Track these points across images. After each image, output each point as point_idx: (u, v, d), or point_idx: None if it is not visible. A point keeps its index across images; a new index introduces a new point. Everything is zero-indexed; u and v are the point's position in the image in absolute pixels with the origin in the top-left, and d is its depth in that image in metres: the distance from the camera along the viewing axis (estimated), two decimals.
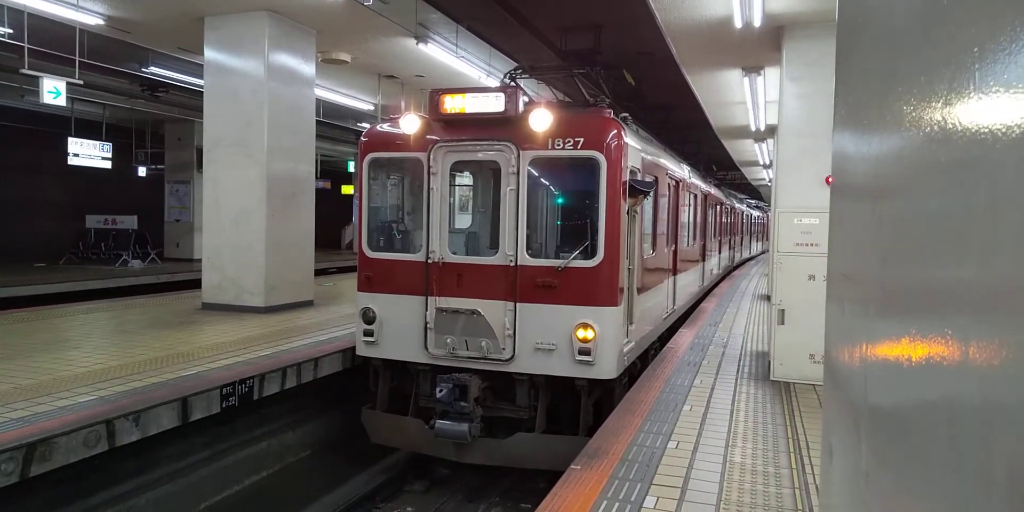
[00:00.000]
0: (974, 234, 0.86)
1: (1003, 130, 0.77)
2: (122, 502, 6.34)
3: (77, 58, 11.68)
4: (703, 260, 16.31)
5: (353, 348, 8.53)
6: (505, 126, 7.48)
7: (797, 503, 4.71)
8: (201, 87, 12.78)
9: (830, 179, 2.17)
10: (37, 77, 11.83)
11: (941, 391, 0.97)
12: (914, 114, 1.13)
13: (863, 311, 1.51)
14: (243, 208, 11.64)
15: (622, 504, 4.60)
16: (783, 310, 8.12)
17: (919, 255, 1.13)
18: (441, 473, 8.55)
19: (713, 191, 18.91)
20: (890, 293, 1.30)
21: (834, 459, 1.83)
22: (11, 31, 12.11)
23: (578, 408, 7.59)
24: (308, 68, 12.47)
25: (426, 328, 7.74)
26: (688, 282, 13.57)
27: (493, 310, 7.50)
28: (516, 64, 12.80)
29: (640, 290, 8.64)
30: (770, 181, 26.03)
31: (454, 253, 7.85)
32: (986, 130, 0.82)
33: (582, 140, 7.29)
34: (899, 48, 1.28)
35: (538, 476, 7.94)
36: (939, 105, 1.00)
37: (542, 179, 7.98)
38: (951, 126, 0.95)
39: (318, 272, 13.99)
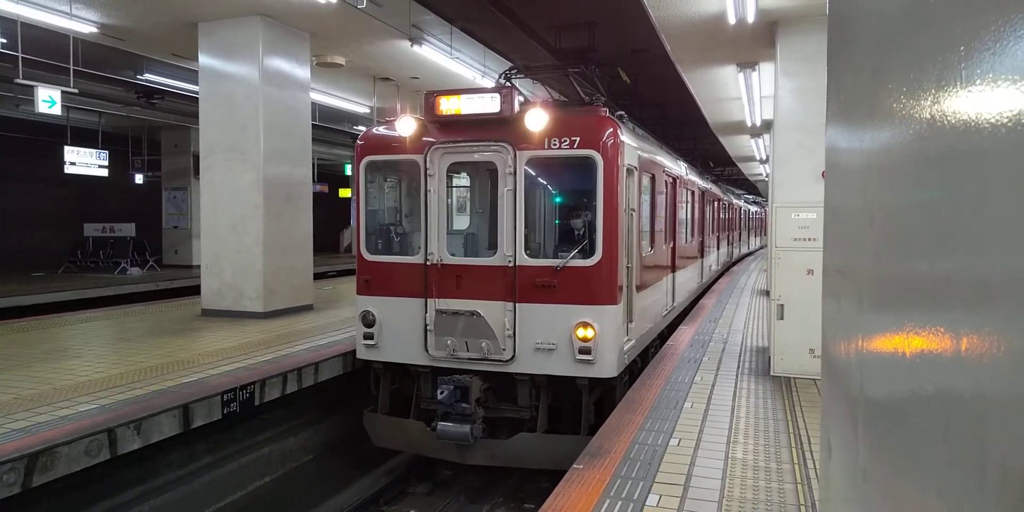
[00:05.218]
0: (963, 227, 0.86)
1: (989, 126, 0.77)
2: (125, 510, 6.33)
3: (71, 67, 11.65)
4: (702, 256, 16.31)
5: (354, 352, 8.52)
6: (501, 126, 7.47)
7: (799, 498, 4.71)
8: (196, 93, 12.77)
9: (824, 174, 2.17)
10: (32, 87, 11.81)
11: (936, 386, 0.97)
12: (903, 110, 1.13)
13: (857, 305, 1.51)
14: (240, 213, 11.63)
15: (625, 502, 4.60)
16: (782, 305, 8.13)
17: (910, 249, 1.14)
18: (444, 475, 8.55)
19: (710, 187, 18.92)
20: (883, 287, 1.30)
21: (833, 454, 1.83)
22: (4, 41, 12.09)
23: (579, 407, 7.59)
24: (303, 72, 12.47)
25: (426, 330, 7.75)
26: (687, 279, 13.57)
27: (493, 311, 7.50)
28: (511, 64, 12.82)
29: (639, 288, 8.63)
30: (767, 176, 26.03)
31: (452, 255, 7.85)
32: (973, 126, 0.83)
33: (578, 139, 7.29)
34: (888, 45, 1.29)
35: (541, 476, 7.94)
36: (927, 102, 1.00)
37: (539, 179, 7.98)
38: (939, 122, 0.96)
39: (317, 276, 13.98)
